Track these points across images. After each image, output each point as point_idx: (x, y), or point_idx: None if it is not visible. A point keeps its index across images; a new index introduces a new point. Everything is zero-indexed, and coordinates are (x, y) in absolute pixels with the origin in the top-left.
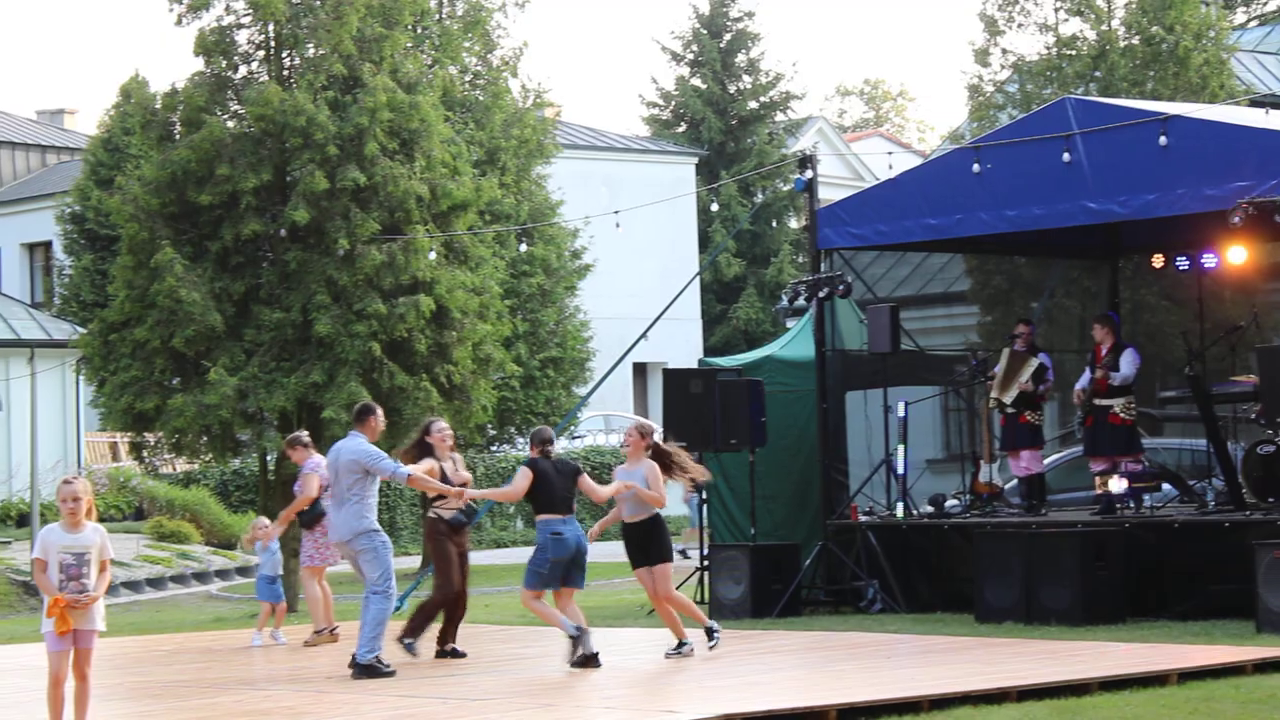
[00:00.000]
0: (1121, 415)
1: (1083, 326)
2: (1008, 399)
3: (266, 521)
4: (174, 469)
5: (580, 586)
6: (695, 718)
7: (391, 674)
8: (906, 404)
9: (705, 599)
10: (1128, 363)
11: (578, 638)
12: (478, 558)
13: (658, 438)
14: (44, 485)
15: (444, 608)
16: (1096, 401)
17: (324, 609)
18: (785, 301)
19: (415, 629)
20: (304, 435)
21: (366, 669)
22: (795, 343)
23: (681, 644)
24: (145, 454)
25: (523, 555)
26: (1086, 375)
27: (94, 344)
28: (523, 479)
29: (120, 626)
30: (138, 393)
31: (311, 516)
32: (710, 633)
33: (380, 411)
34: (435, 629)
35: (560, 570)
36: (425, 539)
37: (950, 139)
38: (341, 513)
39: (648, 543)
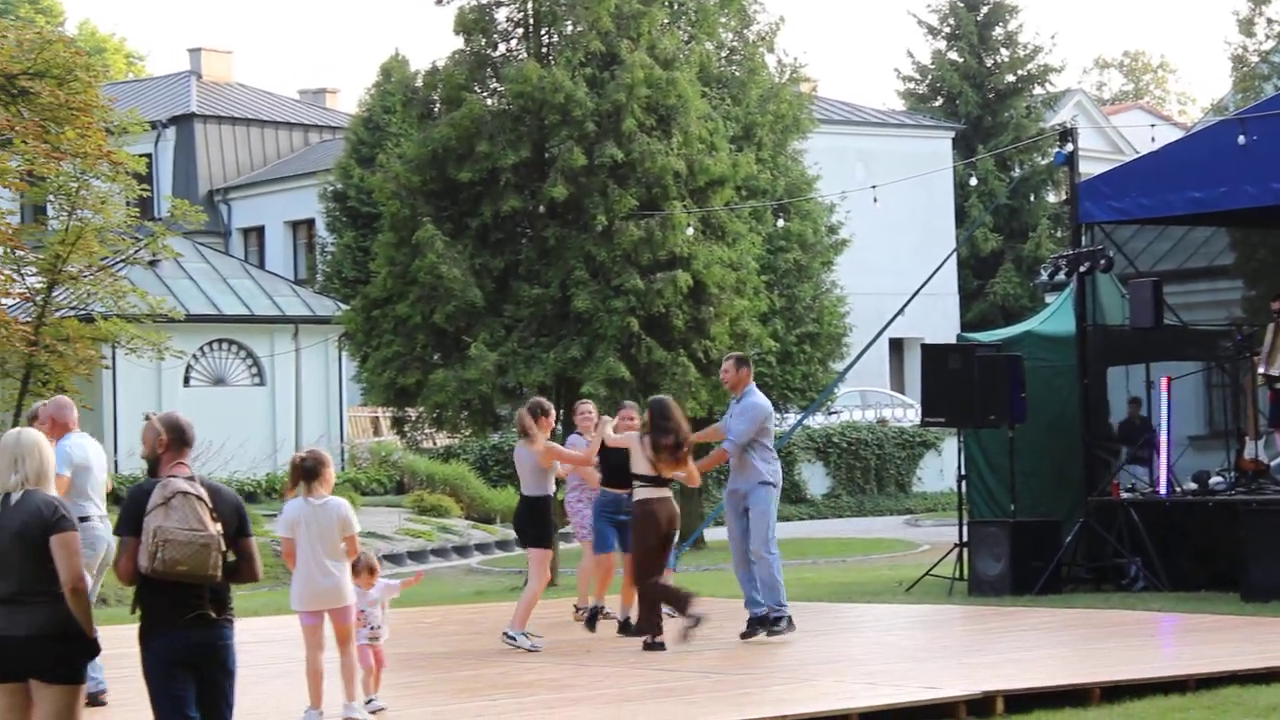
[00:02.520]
0: None
1: None
2: (1276, 370)
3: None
4: (434, 443)
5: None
6: (959, 694)
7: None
8: (1169, 379)
9: (965, 575)
10: None
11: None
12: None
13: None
14: None
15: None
16: None
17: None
18: (1045, 276)
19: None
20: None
21: (775, 621)
22: (1055, 318)
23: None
24: (406, 428)
25: (778, 530)
26: None
27: (357, 320)
28: None
29: None
30: (400, 368)
31: None
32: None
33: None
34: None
35: None
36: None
37: (1214, 111)
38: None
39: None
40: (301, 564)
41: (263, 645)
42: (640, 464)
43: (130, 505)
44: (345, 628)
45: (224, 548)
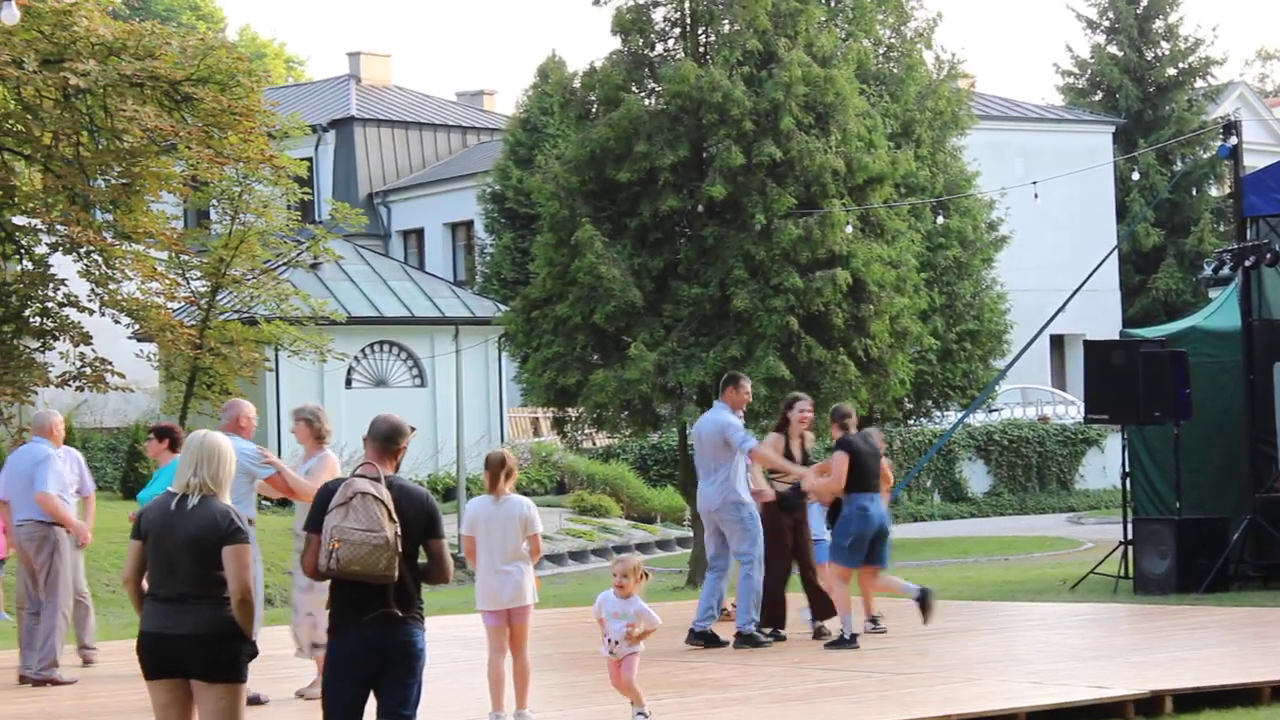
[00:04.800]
0: None
1: None
2: None
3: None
4: (594, 443)
5: (884, 565)
6: (1127, 693)
7: (769, 644)
8: None
9: (1130, 574)
10: None
11: (922, 599)
12: (897, 531)
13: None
14: (468, 460)
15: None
16: None
17: None
18: (1208, 271)
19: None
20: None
21: (746, 638)
22: (1220, 313)
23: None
24: (567, 429)
25: (939, 529)
26: None
27: (517, 321)
28: (841, 464)
29: (544, 599)
30: (560, 368)
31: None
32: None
33: (746, 381)
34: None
35: (864, 546)
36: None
37: None
38: (709, 483)
39: None
40: (483, 563)
41: (430, 644)
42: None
43: (316, 502)
44: (523, 629)
45: (400, 549)
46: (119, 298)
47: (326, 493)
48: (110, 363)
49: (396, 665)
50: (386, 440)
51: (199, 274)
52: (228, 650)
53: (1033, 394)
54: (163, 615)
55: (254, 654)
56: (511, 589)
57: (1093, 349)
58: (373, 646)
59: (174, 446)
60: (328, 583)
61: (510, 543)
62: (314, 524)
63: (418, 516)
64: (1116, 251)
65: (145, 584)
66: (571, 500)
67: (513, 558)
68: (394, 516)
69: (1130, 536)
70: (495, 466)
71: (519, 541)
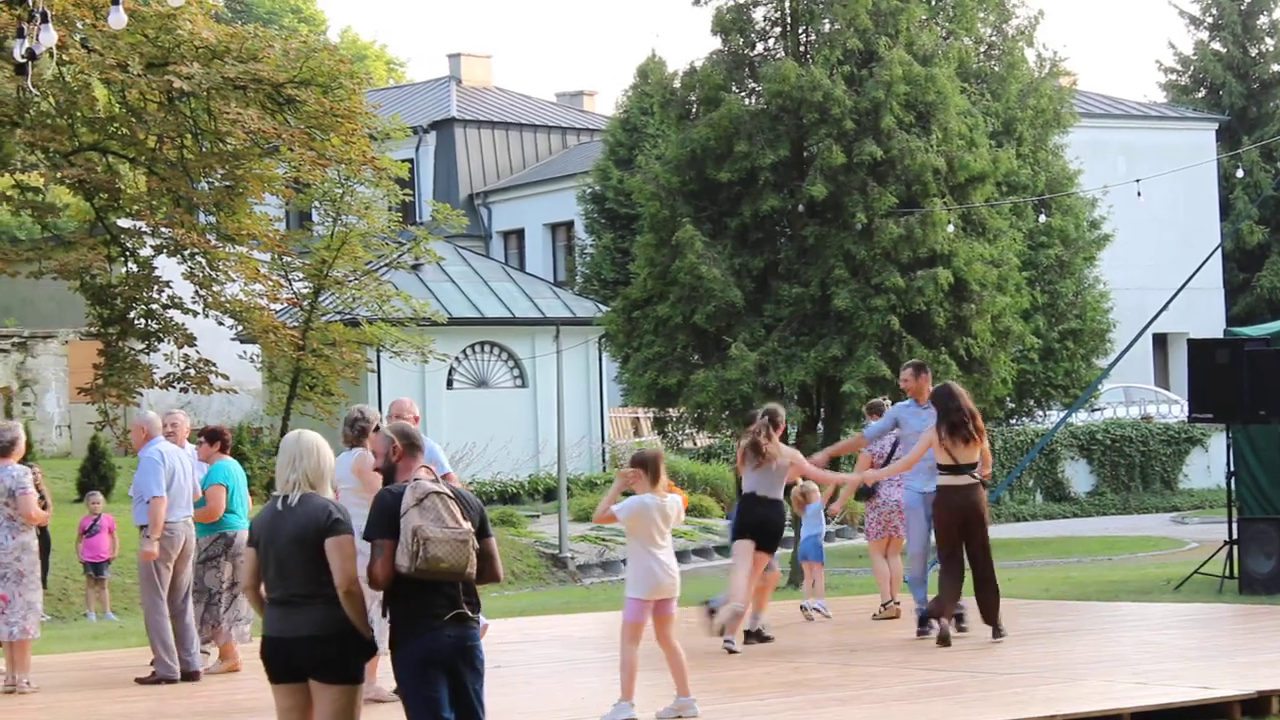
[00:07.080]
0: None
1: None
2: None
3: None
4: (695, 443)
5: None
6: (1233, 694)
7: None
8: None
9: (1235, 574)
10: None
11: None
12: (997, 531)
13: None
14: (569, 460)
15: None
16: None
17: (889, 583)
18: None
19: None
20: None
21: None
22: None
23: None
24: (668, 429)
25: (1042, 529)
26: None
27: (617, 321)
28: None
29: None
30: (661, 368)
31: (867, 489)
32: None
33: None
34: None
35: None
36: None
37: None
38: None
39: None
40: (643, 552)
41: (531, 645)
42: (938, 453)
43: (382, 508)
44: (670, 619)
45: (477, 545)
46: (222, 299)
47: (391, 496)
48: (214, 364)
49: (468, 668)
50: (418, 445)
51: (301, 275)
52: (344, 650)
53: (1136, 393)
54: (279, 618)
55: (372, 653)
56: (669, 580)
57: (1197, 347)
58: (452, 646)
59: (224, 448)
60: None
61: (669, 534)
62: (383, 530)
63: (474, 517)
64: (1220, 249)
65: (264, 590)
66: None
67: (669, 549)
68: (467, 514)
69: (1235, 536)
70: (655, 462)
71: (667, 533)
